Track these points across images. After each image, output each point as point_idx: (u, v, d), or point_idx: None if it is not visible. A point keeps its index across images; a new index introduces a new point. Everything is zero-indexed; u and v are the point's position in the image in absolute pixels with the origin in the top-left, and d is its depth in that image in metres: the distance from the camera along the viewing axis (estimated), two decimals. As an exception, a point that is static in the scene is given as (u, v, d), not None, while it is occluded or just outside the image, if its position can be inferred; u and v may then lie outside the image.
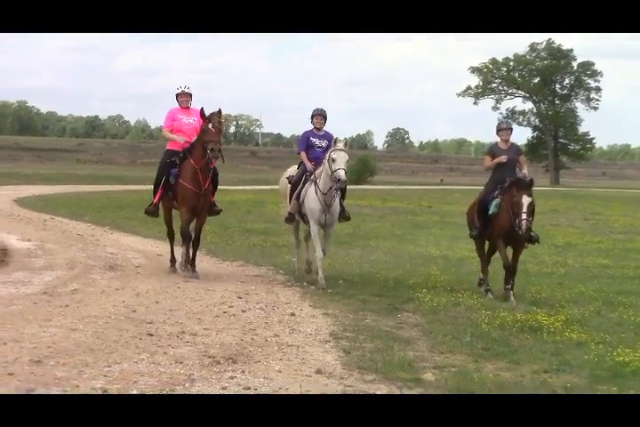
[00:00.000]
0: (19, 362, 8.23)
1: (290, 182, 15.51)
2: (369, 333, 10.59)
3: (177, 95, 15.41)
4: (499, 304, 13.00)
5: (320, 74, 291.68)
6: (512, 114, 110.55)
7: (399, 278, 15.33)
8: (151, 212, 15.62)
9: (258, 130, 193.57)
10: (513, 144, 14.57)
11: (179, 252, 15.30)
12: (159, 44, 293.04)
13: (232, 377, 8.19)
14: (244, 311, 11.72)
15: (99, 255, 17.01)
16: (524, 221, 13.23)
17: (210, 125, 14.23)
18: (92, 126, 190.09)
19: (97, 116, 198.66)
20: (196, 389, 7.69)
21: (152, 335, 9.78)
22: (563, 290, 14.58)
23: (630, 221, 34.48)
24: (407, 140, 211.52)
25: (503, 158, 14.01)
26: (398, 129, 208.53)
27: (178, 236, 15.44)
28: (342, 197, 15.24)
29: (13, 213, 27.25)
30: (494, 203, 13.88)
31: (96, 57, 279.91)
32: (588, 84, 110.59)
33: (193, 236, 14.92)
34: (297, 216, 15.28)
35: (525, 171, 14.13)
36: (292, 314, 11.68)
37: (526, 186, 13.50)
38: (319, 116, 15.50)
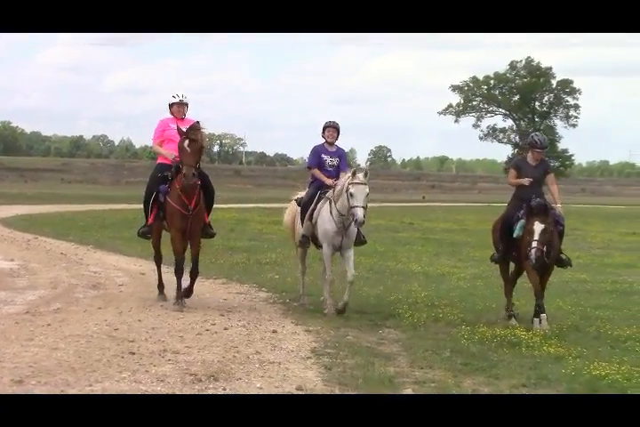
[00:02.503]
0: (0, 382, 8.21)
1: (299, 204, 14.19)
2: (350, 349, 10.59)
3: (171, 105, 14.00)
4: (478, 319, 13.02)
5: (306, 92, 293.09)
6: (493, 131, 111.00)
7: (380, 295, 15.35)
8: (145, 233, 14.26)
9: (242, 149, 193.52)
10: (543, 160, 13.33)
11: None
12: (147, 63, 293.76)
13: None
14: (226, 329, 11.71)
15: (82, 274, 16.96)
16: (533, 250, 12.08)
17: (186, 143, 12.89)
18: (77, 146, 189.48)
19: (81, 136, 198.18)
20: (178, 406, 7.71)
21: (134, 354, 9.76)
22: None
23: (609, 237, 34.65)
24: (389, 158, 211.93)
25: (526, 182, 12.82)
26: (381, 147, 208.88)
27: (168, 257, 14.68)
28: None
29: (-3, 233, 27.17)
30: (519, 224, 12.69)
31: (83, 77, 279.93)
32: (567, 101, 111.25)
33: (192, 266, 13.73)
34: (311, 239, 13.94)
35: (555, 192, 13.22)
36: (274, 331, 11.67)
37: (540, 212, 12.34)
38: (332, 128, 14.04)
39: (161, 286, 14.35)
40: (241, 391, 8.35)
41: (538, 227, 12.19)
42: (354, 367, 9.55)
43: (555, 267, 13.02)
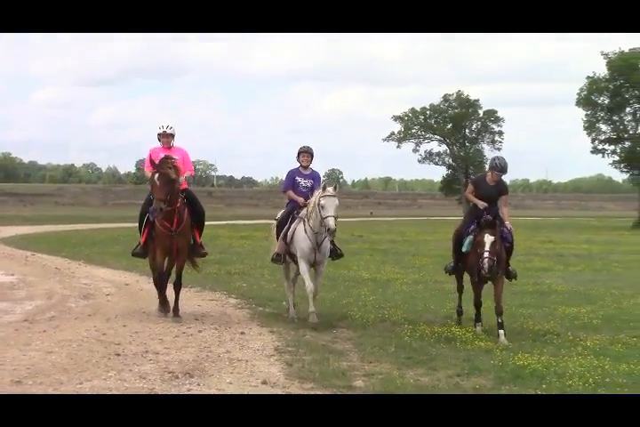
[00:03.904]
0: (0, 383, 8.10)
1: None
2: (308, 347, 10.56)
3: (158, 135, 13.14)
4: (419, 318, 13.04)
5: (267, 124, 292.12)
6: (430, 155, 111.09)
7: (334, 299, 15.32)
8: (138, 253, 13.41)
9: (213, 173, 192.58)
10: (501, 182, 12.42)
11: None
12: (128, 101, 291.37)
13: (189, 389, 8.15)
14: (200, 331, 11.63)
15: (74, 286, 16.78)
16: (485, 260, 11.33)
17: (156, 177, 12.16)
18: (69, 173, 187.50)
19: (73, 165, 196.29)
20: (158, 401, 7.65)
21: (119, 355, 9.68)
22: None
23: (529, 244, 34.77)
24: (341, 179, 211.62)
25: (481, 206, 12.09)
26: (334, 169, 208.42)
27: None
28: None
29: (-1, 251, 26.83)
30: (468, 240, 12.04)
31: (73, 113, 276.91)
32: (493, 128, 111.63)
33: (175, 279, 13.03)
34: (287, 257, 13.17)
35: (506, 213, 12.35)
36: (242, 333, 11.60)
37: (489, 225, 11.64)
38: (306, 153, 13.25)
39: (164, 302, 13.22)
40: (213, 386, 8.32)
41: (488, 239, 11.45)
42: (311, 363, 9.53)
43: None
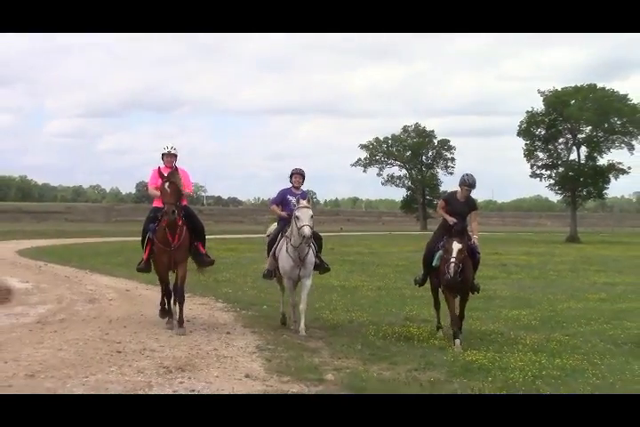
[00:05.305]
0: (16, 377, 8.05)
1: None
2: (285, 345, 10.53)
3: (162, 155, 12.22)
4: (382, 320, 13.04)
5: (249, 151, 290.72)
6: (391, 178, 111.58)
7: (308, 303, 15.18)
8: (141, 269, 12.32)
9: (203, 193, 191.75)
10: (470, 198, 11.58)
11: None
12: (128, 130, 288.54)
13: (181, 382, 8.11)
14: (191, 331, 11.55)
15: (81, 292, 16.63)
16: (451, 265, 10.50)
17: (167, 185, 11.44)
18: (77, 193, 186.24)
19: (81, 186, 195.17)
20: (154, 392, 7.63)
21: (120, 352, 9.61)
22: (428, 308, 14.59)
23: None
24: (315, 199, 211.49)
25: (450, 222, 11.20)
26: (308, 190, 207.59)
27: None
28: (319, 250, 12.30)
29: (15, 261, 26.53)
30: (437, 255, 11.21)
31: (80, 141, 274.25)
32: (446, 155, 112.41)
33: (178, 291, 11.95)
34: (276, 272, 12.31)
35: (475, 227, 11.58)
36: (228, 333, 11.54)
37: (457, 233, 10.83)
38: (298, 175, 12.45)
39: (168, 313, 12.34)
40: (202, 379, 8.27)
41: (456, 246, 10.64)
42: (288, 359, 9.51)
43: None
